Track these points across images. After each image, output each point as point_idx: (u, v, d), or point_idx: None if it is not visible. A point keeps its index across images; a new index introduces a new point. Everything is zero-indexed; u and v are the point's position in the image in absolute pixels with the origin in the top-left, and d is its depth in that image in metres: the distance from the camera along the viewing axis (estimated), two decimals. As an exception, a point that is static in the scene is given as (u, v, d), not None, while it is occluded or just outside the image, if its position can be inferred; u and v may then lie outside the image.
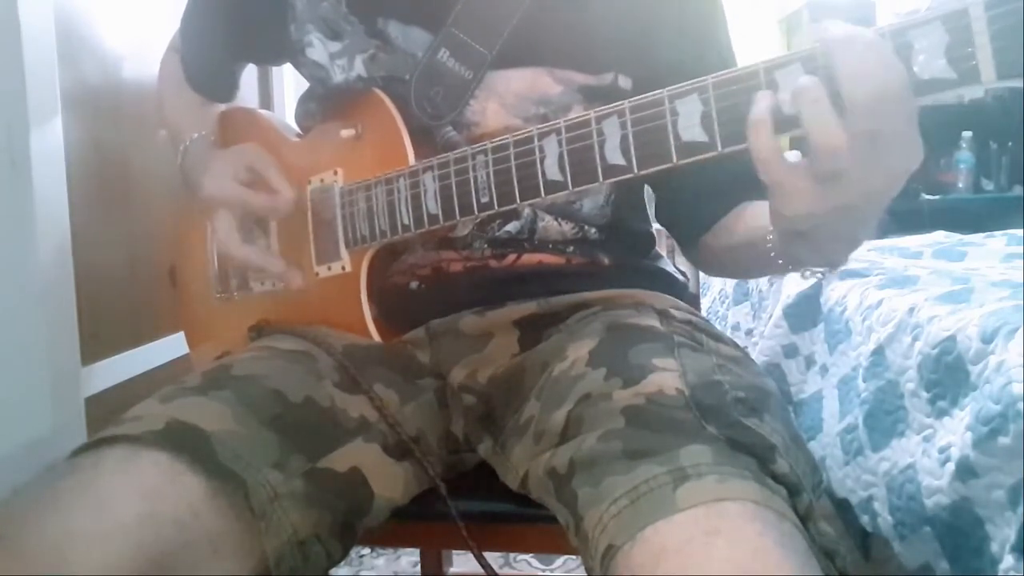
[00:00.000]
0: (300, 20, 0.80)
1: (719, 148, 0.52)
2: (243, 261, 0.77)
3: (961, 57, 0.44)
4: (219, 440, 0.55)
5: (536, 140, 0.61)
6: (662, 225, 0.84)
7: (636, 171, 0.56)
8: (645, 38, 0.74)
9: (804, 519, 0.51)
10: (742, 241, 0.69)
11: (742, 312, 1.66)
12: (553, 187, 0.61)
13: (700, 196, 0.73)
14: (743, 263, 0.74)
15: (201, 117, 0.92)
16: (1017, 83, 0.44)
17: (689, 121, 0.53)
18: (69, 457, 0.55)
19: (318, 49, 0.79)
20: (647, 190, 0.85)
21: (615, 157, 0.57)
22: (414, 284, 0.78)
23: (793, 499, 0.51)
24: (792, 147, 0.57)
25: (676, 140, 0.54)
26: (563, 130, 0.59)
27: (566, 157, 0.59)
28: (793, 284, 1.36)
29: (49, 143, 1.00)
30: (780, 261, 0.62)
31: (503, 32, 0.72)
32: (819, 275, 0.63)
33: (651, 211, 0.86)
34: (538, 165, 0.61)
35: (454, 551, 1.36)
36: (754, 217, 0.68)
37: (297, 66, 0.84)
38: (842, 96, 0.45)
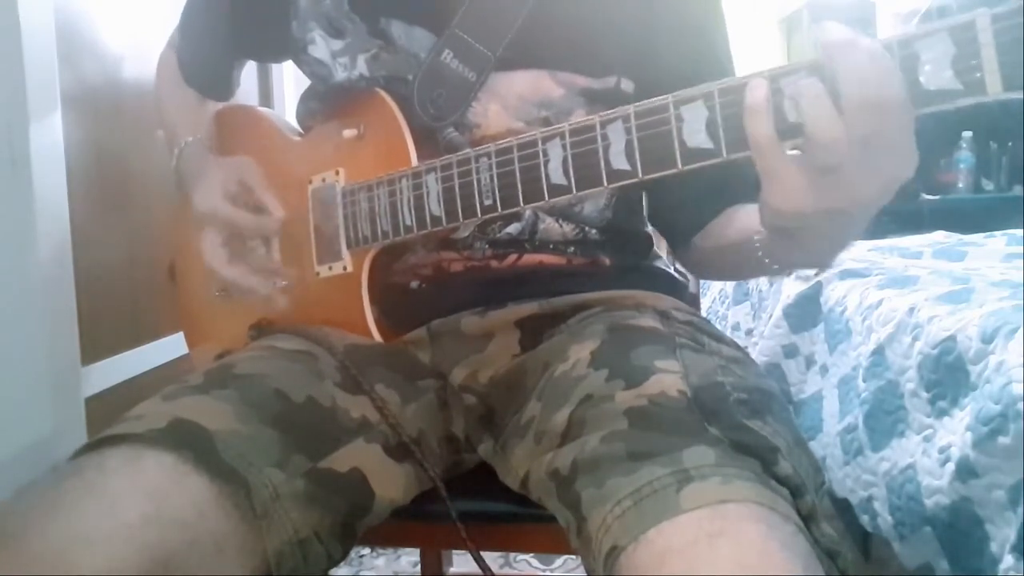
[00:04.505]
0: (302, 17, 0.80)
1: (724, 155, 0.52)
2: (229, 282, 0.75)
3: (967, 69, 0.44)
4: (222, 439, 0.55)
5: (540, 144, 0.61)
6: (655, 226, 0.85)
7: (641, 176, 0.56)
8: (647, 42, 0.74)
9: (807, 520, 0.51)
10: (731, 242, 0.70)
11: (742, 312, 1.66)
12: (557, 191, 0.61)
13: (692, 198, 0.74)
14: (731, 265, 0.76)
15: (196, 117, 0.91)
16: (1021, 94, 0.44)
17: (694, 127, 0.53)
18: (73, 457, 0.54)
19: (320, 47, 0.79)
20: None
21: (620, 162, 0.57)
22: (415, 284, 0.78)
23: (796, 501, 0.51)
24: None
25: (681, 146, 0.54)
26: (567, 134, 0.59)
27: (570, 161, 0.59)
28: (793, 284, 1.36)
29: (49, 143, 1.00)
30: (767, 260, 0.63)
31: (507, 34, 0.72)
32: (807, 276, 0.64)
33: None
34: (542, 169, 0.61)
35: (454, 551, 1.36)
36: (743, 219, 0.69)
37: (298, 63, 0.84)
38: (841, 97, 0.46)
